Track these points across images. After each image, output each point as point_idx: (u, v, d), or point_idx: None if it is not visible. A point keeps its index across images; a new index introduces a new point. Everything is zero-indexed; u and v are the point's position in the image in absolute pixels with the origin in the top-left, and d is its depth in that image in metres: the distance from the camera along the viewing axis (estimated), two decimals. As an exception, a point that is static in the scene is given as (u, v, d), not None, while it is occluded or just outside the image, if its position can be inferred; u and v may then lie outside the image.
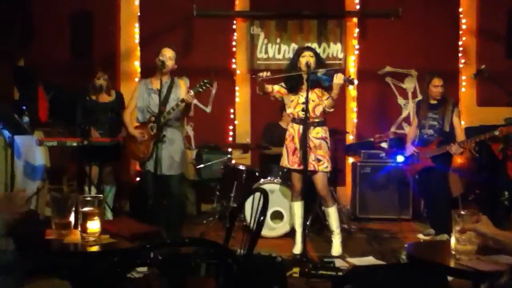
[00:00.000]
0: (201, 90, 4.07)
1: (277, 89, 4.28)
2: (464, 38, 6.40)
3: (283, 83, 4.29)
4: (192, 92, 4.02)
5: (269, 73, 4.01)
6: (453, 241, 1.91)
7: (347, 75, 4.40)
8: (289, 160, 4.26)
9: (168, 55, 4.13)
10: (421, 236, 4.92)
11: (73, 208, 2.09)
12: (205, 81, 4.05)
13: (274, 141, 5.28)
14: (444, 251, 1.99)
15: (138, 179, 6.08)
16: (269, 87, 4.24)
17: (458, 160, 6.15)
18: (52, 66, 6.04)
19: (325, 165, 4.18)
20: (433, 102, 4.79)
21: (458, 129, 4.71)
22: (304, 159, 3.99)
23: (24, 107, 5.04)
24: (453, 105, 4.77)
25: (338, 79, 3.98)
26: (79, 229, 2.03)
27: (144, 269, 3.08)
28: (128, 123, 4.31)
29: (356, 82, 4.19)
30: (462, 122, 6.28)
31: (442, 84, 4.72)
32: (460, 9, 6.39)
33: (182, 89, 4.22)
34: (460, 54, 6.40)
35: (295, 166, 4.20)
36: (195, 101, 6.10)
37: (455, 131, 4.69)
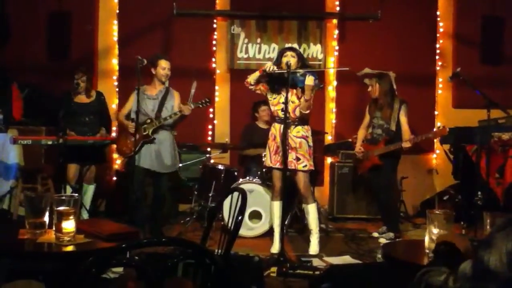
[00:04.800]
0: (200, 106, 4.51)
1: (261, 84, 4.29)
2: (441, 41, 6.51)
3: (266, 82, 4.28)
4: (192, 106, 4.40)
5: (275, 68, 4.08)
6: (427, 240, 1.95)
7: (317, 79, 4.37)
8: (271, 159, 4.28)
9: (165, 66, 4.52)
10: (375, 234, 4.96)
11: (48, 208, 2.06)
12: (207, 100, 4.58)
13: (252, 142, 5.28)
14: (419, 250, 2.03)
15: (114, 178, 6.02)
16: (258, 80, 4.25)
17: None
18: (29, 66, 5.94)
19: (304, 164, 4.19)
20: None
21: (404, 127, 4.80)
22: (284, 158, 4.00)
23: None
24: (401, 102, 4.85)
25: (308, 81, 3.98)
26: (54, 228, 1.99)
27: (120, 269, 3.04)
28: (123, 120, 4.61)
29: (321, 85, 4.23)
30: (439, 124, 6.41)
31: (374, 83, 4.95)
32: (438, 13, 6.50)
33: (176, 100, 4.59)
34: (437, 57, 6.51)
35: (277, 165, 4.22)
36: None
37: (402, 128, 4.80)
